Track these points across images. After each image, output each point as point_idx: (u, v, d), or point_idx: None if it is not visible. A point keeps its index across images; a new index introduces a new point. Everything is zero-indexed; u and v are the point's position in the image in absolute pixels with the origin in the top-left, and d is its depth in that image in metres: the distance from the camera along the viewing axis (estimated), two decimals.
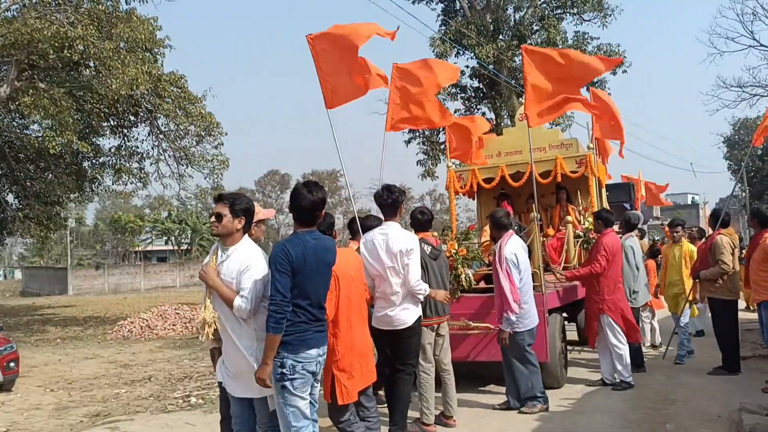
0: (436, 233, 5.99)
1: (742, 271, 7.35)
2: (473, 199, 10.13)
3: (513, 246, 5.63)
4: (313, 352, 3.43)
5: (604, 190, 9.59)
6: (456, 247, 6.31)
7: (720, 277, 6.87)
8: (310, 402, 3.50)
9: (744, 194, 34.31)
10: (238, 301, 3.40)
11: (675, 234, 8.06)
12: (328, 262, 3.56)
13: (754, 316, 8.89)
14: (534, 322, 5.69)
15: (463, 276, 6.15)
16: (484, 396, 6.39)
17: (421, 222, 5.43)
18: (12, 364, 7.99)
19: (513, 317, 5.45)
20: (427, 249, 5.20)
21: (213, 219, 3.63)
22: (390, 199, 4.81)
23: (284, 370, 3.35)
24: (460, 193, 9.35)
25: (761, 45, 22.30)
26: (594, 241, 7.70)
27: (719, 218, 7.12)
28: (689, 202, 70.17)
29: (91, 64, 14.65)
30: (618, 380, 6.42)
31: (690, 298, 7.64)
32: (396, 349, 4.73)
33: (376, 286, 4.68)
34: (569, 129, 19.88)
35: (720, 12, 65.49)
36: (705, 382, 6.64)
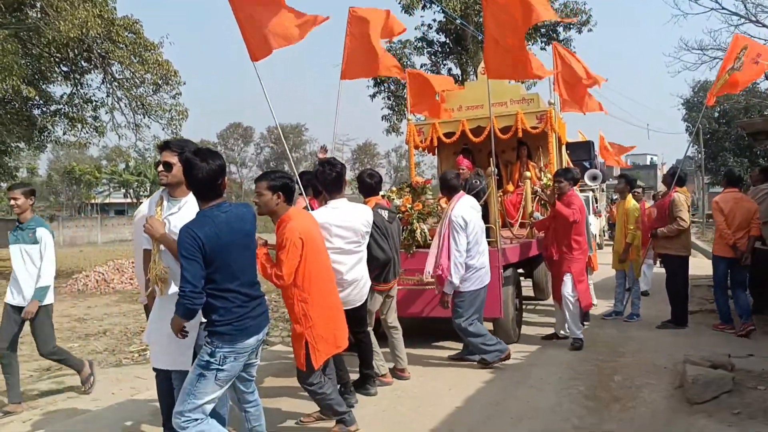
0: (384, 194, 5.89)
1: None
2: (434, 155, 10.02)
3: (461, 208, 5.47)
4: (252, 340, 3.14)
5: (564, 147, 9.58)
6: (411, 202, 6.23)
7: (677, 234, 7.03)
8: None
9: (700, 155, 35.15)
10: None
11: (619, 188, 8.09)
12: (247, 231, 3.17)
13: (700, 273, 9.23)
14: (484, 281, 5.56)
15: (418, 231, 6.12)
16: (438, 351, 6.45)
17: (371, 186, 5.24)
18: None
19: (456, 280, 5.37)
20: (384, 214, 5.09)
21: (161, 168, 3.44)
22: (334, 173, 4.49)
23: (213, 360, 3.02)
24: (420, 148, 9.21)
25: (723, 8, 22.55)
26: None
27: (675, 176, 7.25)
28: (648, 163, 71.76)
29: (38, 4, 13.87)
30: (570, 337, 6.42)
31: (630, 257, 7.66)
32: (353, 321, 4.58)
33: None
34: (533, 85, 19.90)
35: None
36: (653, 336, 6.87)
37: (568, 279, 6.34)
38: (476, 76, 9.52)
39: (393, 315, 5.45)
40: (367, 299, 4.76)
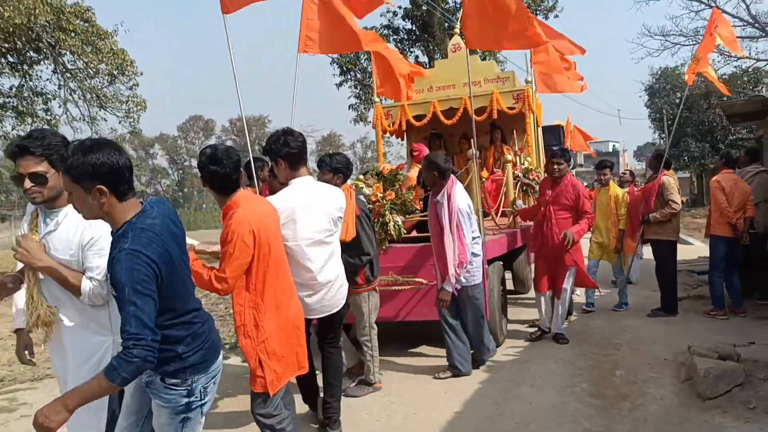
0: (351, 183, 5.18)
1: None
2: (402, 139, 9.29)
3: (462, 195, 4.93)
4: (221, 355, 2.60)
5: (540, 129, 9.02)
6: (382, 191, 5.52)
7: (670, 218, 6.82)
8: None
9: (662, 142, 35.72)
10: (87, 284, 2.62)
11: (603, 177, 7.49)
12: (181, 232, 2.46)
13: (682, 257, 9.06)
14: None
15: (391, 224, 5.38)
16: (418, 358, 5.76)
17: (338, 170, 4.41)
18: None
19: (462, 277, 4.90)
20: (365, 199, 4.65)
21: (28, 184, 2.63)
22: (299, 141, 3.62)
23: (193, 399, 2.44)
24: (388, 132, 8.52)
25: None
26: (536, 183, 7.37)
27: (662, 160, 7.04)
28: (610, 150, 72.99)
29: None
30: (554, 333, 6.06)
31: (617, 246, 7.35)
32: (325, 329, 3.96)
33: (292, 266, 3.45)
34: (505, 63, 19.70)
35: None
36: (646, 324, 6.65)
37: (572, 272, 5.94)
38: (446, 55, 8.82)
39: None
40: (346, 305, 3.97)
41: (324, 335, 3.98)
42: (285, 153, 3.58)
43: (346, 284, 3.92)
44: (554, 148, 6.36)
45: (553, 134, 12.84)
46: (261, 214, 3.07)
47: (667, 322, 6.68)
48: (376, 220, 5.33)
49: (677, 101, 35.00)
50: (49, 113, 17.02)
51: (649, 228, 6.99)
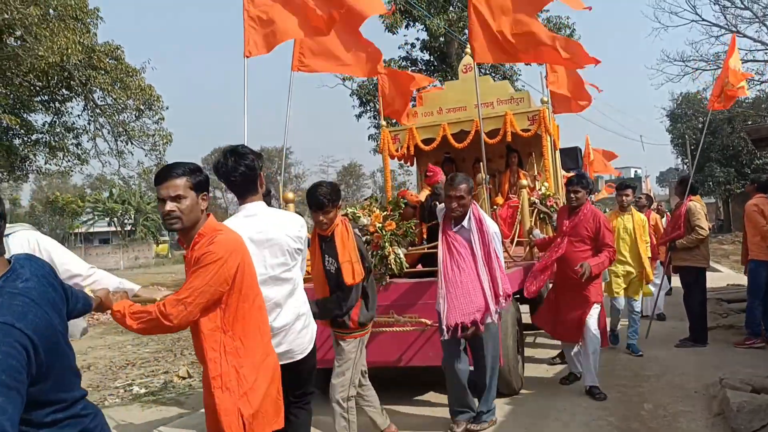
0: (346, 212, 4.87)
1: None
2: (411, 164, 8.75)
3: (490, 219, 4.48)
4: None
5: (558, 152, 8.36)
6: (381, 220, 4.96)
7: (698, 244, 6.70)
8: None
9: (686, 167, 35.30)
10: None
11: (624, 198, 6.68)
12: (60, 292, 1.91)
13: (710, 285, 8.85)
14: None
15: (392, 257, 4.84)
16: (426, 407, 5.20)
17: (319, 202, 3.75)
18: None
19: (500, 307, 4.35)
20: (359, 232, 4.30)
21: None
22: (243, 167, 2.99)
23: None
24: (396, 158, 7.97)
25: (703, 20, 22.77)
26: (554, 209, 6.80)
27: (688, 185, 6.95)
28: (632, 176, 72.24)
29: (17, 32, 13.51)
30: (588, 386, 5.24)
31: (647, 278, 6.71)
32: (292, 383, 3.14)
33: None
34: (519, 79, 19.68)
35: None
36: (674, 355, 6.51)
37: (595, 311, 5.27)
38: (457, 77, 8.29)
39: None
40: (313, 350, 3.25)
41: (291, 390, 3.13)
42: (227, 179, 3.04)
43: (314, 325, 3.30)
44: (570, 174, 5.96)
45: (570, 156, 12.03)
46: (242, 241, 2.64)
47: (697, 353, 6.53)
48: (374, 252, 4.89)
49: (700, 126, 34.68)
50: (79, 147, 17.54)
51: (676, 254, 6.89)
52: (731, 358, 6.21)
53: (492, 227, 4.35)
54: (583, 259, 5.19)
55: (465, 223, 4.35)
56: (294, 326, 3.11)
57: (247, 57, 5.43)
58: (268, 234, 3.04)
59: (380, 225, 4.91)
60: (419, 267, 5.42)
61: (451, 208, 4.30)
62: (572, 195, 5.40)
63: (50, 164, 17.45)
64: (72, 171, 18.20)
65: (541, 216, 6.83)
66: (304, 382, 3.28)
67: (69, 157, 17.34)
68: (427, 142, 7.63)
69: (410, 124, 7.66)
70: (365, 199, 5.49)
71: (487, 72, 19.37)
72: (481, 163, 5.82)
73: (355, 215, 4.98)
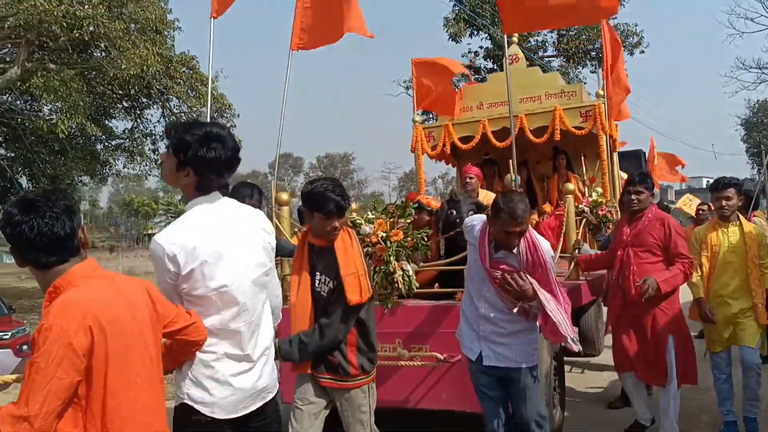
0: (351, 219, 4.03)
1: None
2: (449, 164, 7.97)
3: (543, 240, 3.40)
4: None
5: (616, 154, 7.34)
6: (387, 229, 4.00)
7: None
8: None
9: (762, 178, 33.61)
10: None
11: (725, 203, 4.46)
12: None
13: None
14: None
15: (398, 274, 3.91)
16: None
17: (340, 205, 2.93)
18: (25, 347, 7.90)
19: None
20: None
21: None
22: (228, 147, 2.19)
23: None
24: (431, 157, 7.29)
25: None
26: (607, 219, 5.98)
27: (753, 199, 6.68)
28: (704, 186, 69.04)
29: (102, 44, 14.52)
30: None
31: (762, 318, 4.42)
32: None
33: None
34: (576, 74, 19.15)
35: None
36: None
37: (671, 343, 4.20)
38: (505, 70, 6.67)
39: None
40: (276, 399, 2.38)
41: None
42: (198, 162, 2.16)
43: (270, 364, 2.37)
44: (633, 174, 4.68)
45: (633, 161, 10.73)
46: (111, 304, 1.79)
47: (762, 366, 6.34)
48: (376, 269, 3.95)
49: None
50: (156, 153, 18.61)
51: None
52: None
53: (542, 254, 3.23)
54: (651, 272, 4.16)
55: (521, 248, 3.26)
56: (271, 349, 2.37)
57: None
58: (246, 232, 2.31)
59: (384, 235, 3.96)
60: (435, 286, 4.51)
61: (510, 246, 3.23)
62: (633, 197, 4.32)
63: (128, 168, 18.61)
64: (149, 174, 19.33)
65: (590, 228, 5.84)
66: None
67: (146, 162, 18.41)
68: (464, 140, 6.93)
69: (446, 120, 7.06)
70: (374, 206, 4.39)
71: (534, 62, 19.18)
72: (510, 161, 5.23)
73: (355, 221, 4.05)
